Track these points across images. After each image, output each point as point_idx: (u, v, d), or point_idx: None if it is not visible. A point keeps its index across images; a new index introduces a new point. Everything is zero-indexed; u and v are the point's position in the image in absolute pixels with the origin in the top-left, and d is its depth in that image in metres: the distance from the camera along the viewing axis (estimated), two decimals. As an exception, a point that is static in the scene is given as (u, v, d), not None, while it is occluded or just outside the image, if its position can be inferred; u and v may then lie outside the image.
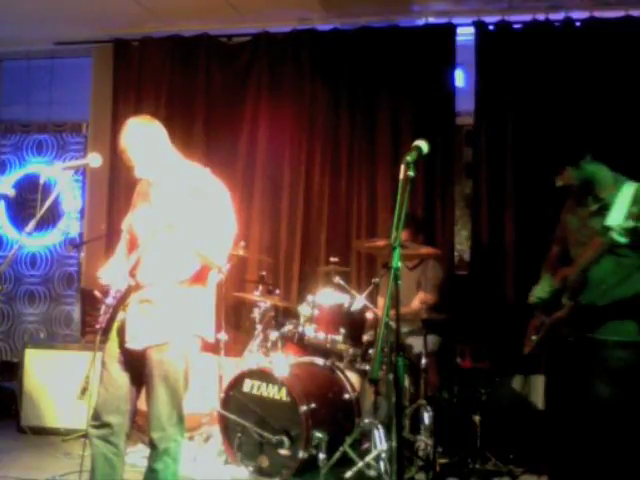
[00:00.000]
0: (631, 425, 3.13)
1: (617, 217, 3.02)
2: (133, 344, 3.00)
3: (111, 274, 3.09)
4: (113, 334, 3.07)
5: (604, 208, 3.14)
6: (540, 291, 3.39)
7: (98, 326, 3.03)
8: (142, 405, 3.18)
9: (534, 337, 3.36)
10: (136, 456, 4.23)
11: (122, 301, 3.03)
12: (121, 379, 3.06)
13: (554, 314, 3.22)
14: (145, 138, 3.04)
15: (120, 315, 3.05)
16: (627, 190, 3.11)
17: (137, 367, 3.04)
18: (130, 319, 3.03)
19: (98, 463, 3.03)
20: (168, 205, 2.98)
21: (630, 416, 3.11)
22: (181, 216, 2.94)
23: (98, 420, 3.04)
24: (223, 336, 4.56)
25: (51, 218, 6.31)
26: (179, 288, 3.01)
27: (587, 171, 3.21)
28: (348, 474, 3.85)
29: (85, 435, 4.64)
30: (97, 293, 3.12)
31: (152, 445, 3.01)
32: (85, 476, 3.16)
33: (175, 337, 3.00)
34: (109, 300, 3.02)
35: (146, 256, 3.02)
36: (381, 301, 4.77)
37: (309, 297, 4.44)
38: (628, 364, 3.10)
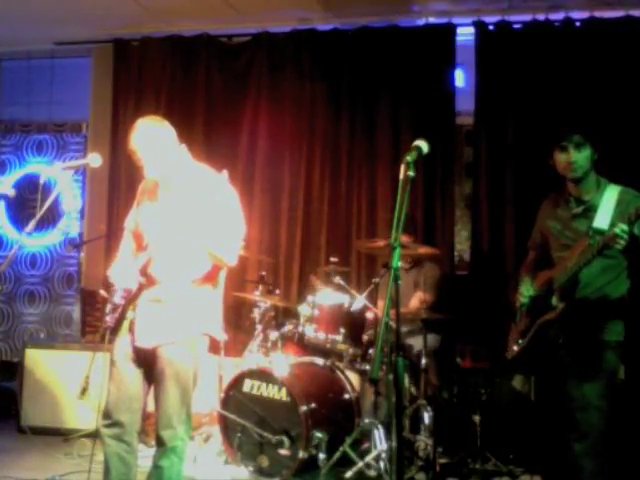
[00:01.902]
0: (619, 424, 3.15)
1: (604, 219, 3.03)
2: (143, 342, 3.00)
3: (121, 274, 3.09)
4: (123, 332, 3.06)
5: (589, 210, 3.14)
6: (527, 291, 3.38)
7: (107, 325, 3.02)
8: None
9: (520, 341, 3.34)
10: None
11: (132, 300, 3.03)
12: (132, 377, 3.06)
13: (543, 316, 3.20)
14: (155, 138, 3.04)
15: (129, 314, 3.05)
16: (611, 193, 3.13)
17: (147, 365, 3.05)
18: (140, 318, 3.03)
19: (112, 462, 3.03)
20: (181, 205, 2.99)
21: (617, 415, 3.13)
22: (194, 216, 2.94)
23: (110, 419, 3.03)
24: (224, 337, 4.55)
25: (51, 218, 6.31)
26: (190, 287, 3.02)
27: (590, 167, 3.17)
28: (348, 474, 3.85)
29: (87, 435, 4.70)
30: (102, 292, 3.11)
31: (160, 442, 3.01)
32: (94, 476, 3.15)
33: (185, 336, 3.01)
34: (117, 299, 3.02)
35: (158, 255, 3.02)
36: (381, 301, 4.77)
37: (309, 297, 4.45)
38: (616, 364, 3.12)
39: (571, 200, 3.23)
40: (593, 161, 3.17)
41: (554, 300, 3.17)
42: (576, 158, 3.14)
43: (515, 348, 3.37)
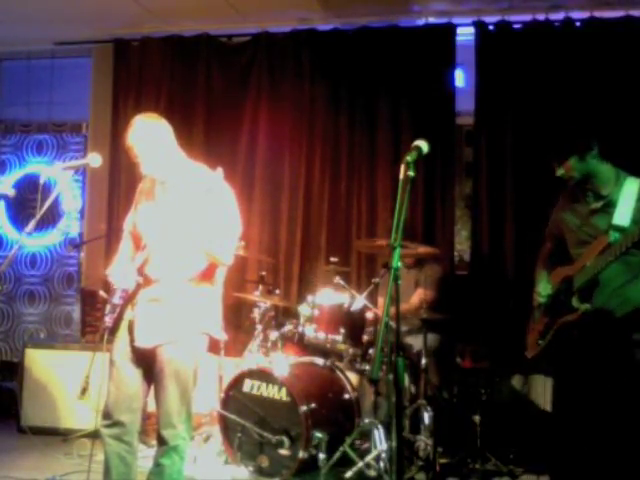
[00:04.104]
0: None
1: (624, 215, 2.97)
2: (143, 342, 3.01)
3: (119, 274, 3.09)
4: (122, 333, 3.07)
5: (608, 205, 3.07)
6: (544, 290, 3.32)
7: (105, 325, 3.02)
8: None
9: (541, 341, 3.28)
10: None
11: (130, 300, 3.03)
12: (132, 377, 3.06)
13: (564, 317, 3.15)
14: (152, 135, 3.03)
15: (128, 314, 3.05)
16: (631, 186, 3.06)
17: (147, 365, 3.05)
18: (139, 318, 3.03)
19: (113, 462, 3.03)
20: (178, 204, 2.99)
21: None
22: (191, 215, 2.94)
23: (110, 419, 3.04)
24: (223, 336, 4.56)
25: (51, 218, 6.31)
26: (187, 286, 3.02)
27: (590, 165, 3.11)
28: (348, 474, 3.85)
29: (87, 435, 4.69)
30: (102, 293, 3.11)
31: (161, 441, 3.02)
32: (93, 476, 3.16)
33: (184, 335, 3.02)
34: (116, 299, 3.02)
35: (155, 254, 3.02)
36: (381, 301, 4.77)
37: (309, 297, 4.44)
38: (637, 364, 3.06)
39: (589, 195, 3.15)
40: (594, 158, 3.11)
41: (574, 302, 3.12)
42: (562, 173, 3.15)
43: (534, 348, 3.31)
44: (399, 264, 2.43)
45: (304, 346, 4.43)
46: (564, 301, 3.19)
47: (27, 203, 6.24)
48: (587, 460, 3.08)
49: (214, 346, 3.96)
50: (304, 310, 4.40)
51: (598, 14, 5.06)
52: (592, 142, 3.14)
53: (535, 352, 3.32)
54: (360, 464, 3.84)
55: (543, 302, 3.34)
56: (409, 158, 2.51)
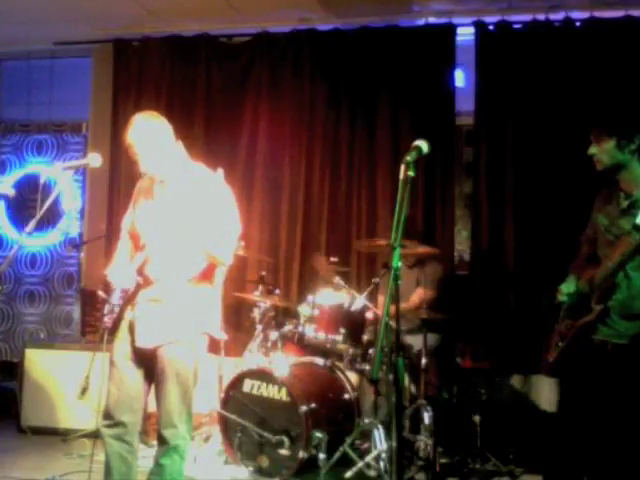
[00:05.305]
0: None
1: None
2: (143, 343, 3.01)
3: (118, 273, 3.09)
4: (123, 333, 3.07)
5: (633, 206, 3.00)
6: (567, 288, 3.25)
7: (105, 325, 3.02)
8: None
9: (560, 343, 3.22)
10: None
11: (130, 300, 3.03)
12: (133, 377, 3.06)
13: (582, 318, 3.10)
14: (152, 133, 3.04)
15: (128, 314, 3.05)
16: None
17: (147, 365, 3.05)
18: (139, 318, 3.03)
19: (114, 462, 3.04)
20: (178, 204, 2.99)
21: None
22: (190, 215, 2.94)
23: (111, 419, 3.04)
24: (223, 336, 4.56)
25: (51, 218, 6.31)
26: (187, 286, 3.02)
27: (624, 157, 3.02)
28: (348, 474, 3.85)
29: (86, 435, 4.70)
30: (101, 292, 3.11)
31: (162, 441, 3.02)
32: (94, 476, 3.16)
33: (185, 335, 3.02)
34: (115, 299, 3.02)
35: (155, 254, 3.02)
36: (381, 300, 4.77)
37: (309, 297, 4.44)
38: None
39: (621, 195, 3.09)
40: (632, 152, 3.02)
41: (592, 302, 3.08)
42: (593, 151, 3.08)
43: (554, 350, 3.25)
44: (399, 264, 2.43)
45: (304, 346, 4.43)
46: (587, 302, 3.13)
47: (27, 203, 6.24)
48: (588, 465, 3.06)
49: (214, 346, 3.96)
50: (304, 310, 4.40)
51: (598, 14, 5.06)
52: (636, 135, 3.05)
53: (555, 354, 3.25)
54: (360, 464, 3.84)
55: (563, 300, 3.26)
56: (409, 158, 2.51)
